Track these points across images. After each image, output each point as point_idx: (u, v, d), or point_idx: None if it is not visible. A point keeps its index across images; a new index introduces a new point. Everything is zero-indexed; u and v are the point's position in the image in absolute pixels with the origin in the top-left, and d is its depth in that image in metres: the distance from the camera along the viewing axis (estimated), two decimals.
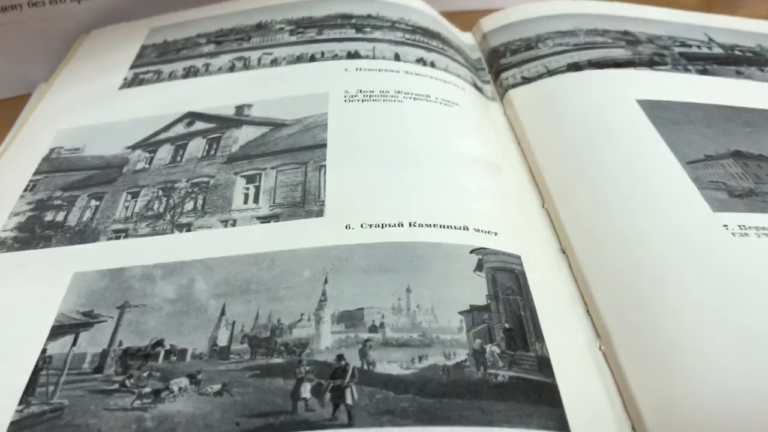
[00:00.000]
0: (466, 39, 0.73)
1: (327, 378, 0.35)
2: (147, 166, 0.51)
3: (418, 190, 0.46)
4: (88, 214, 0.47)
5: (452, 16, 0.75)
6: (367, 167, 0.48)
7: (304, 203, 0.45)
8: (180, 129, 0.54)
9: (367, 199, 0.45)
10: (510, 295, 0.40)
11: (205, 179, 0.49)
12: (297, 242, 0.42)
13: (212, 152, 0.52)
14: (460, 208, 0.45)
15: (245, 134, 0.53)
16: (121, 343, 0.38)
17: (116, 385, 0.36)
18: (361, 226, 0.43)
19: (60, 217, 0.47)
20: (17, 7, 0.69)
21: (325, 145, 0.50)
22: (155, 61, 0.65)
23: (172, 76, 0.62)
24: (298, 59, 0.62)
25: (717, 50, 0.66)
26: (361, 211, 0.44)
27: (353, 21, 0.67)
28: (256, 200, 0.46)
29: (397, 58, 0.61)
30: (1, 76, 0.70)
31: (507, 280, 0.41)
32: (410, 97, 0.55)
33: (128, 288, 0.41)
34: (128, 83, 0.62)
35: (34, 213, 0.48)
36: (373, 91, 0.55)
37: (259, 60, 0.62)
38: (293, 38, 0.65)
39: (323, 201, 0.45)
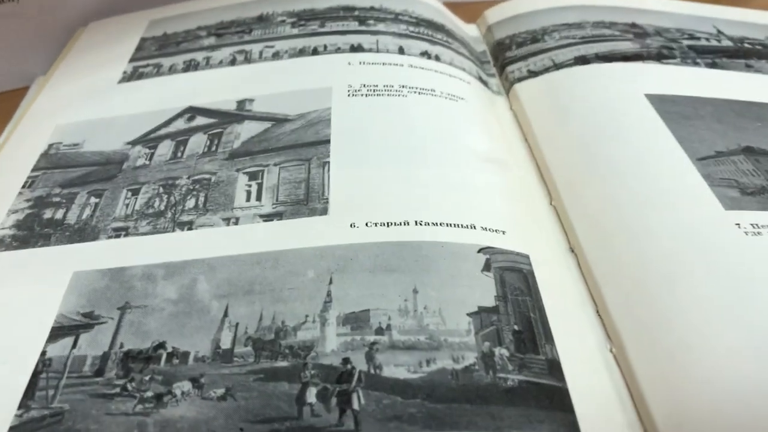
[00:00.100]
0: (470, 31, 0.72)
1: (333, 382, 0.34)
2: (147, 162, 0.50)
3: (424, 188, 0.45)
4: (87, 211, 0.46)
5: (456, 8, 0.74)
6: (371, 164, 0.47)
7: (308, 201, 0.45)
8: (180, 124, 0.54)
9: (372, 197, 0.44)
10: (519, 295, 0.39)
11: (207, 176, 0.48)
12: (301, 241, 0.41)
13: (213, 148, 0.51)
14: (466, 206, 0.44)
15: (247, 130, 0.52)
16: (122, 346, 0.37)
17: (117, 389, 0.35)
18: (366, 224, 0.42)
19: (59, 214, 0.46)
20: None
21: (328, 141, 0.49)
22: (155, 55, 0.64)
23: (172, 70, 0.61)
24: (301, 52, 0.61)
25: (726, 43, 0.65)
26: (366, 209, 0.43)
27: (356, 13, 0.66)
28: (258, 198, 0.45)
29: (401, 51, 0.60)
30: None
31: (515, 281, 0.40)
32: (415, 92, 0.54)
33: (129, 288, 0.40)
34: (127, 77, 0.61)
35: (32, 210, 0.47)
36: (377, 86, 0.54)
37: (261, 53, 0.61)
38: (295, 31, 0.64)
39: (327, 199, 0.44)
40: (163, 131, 0.53)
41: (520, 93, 0.59)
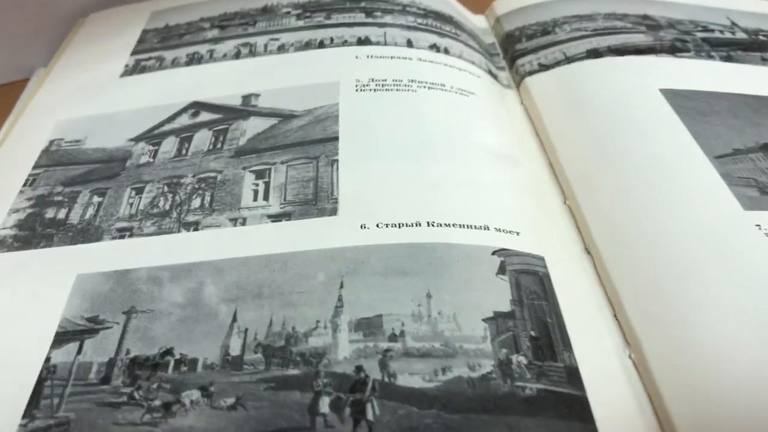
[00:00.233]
0: (478, 22, 0.70)
1: (346, 391, 0.33)
2: (151, 159, 0.49)
3: (436, 187, 0.44)
4: (90, 211, 0.45)
5: None
6: (381, 162, 0.46)
7: (317, 201, 0.43)
8: (185, 120, 0.52)
9: (383, 196, 0.43)
10: (535, 299, 0.38)
11: (212, 174, 0.47)
12: (310, 243, 0.40)
13: (219, 145, 0.49)
14: (479, 205, 0.43)
15: (253, 126, 0.51)
16: (128, 352, 0.36)
17: (124, 398, 0.34)
18: (377, 225, 0.41)
19: (61, 214, 0.45)
20: None
21: (336, 138, 0.48)
22: (157, 47, 0.62)
23: (175, 63, 0.59)
24: (307, 45, 0.59)
25: (741, 35, 0.64)
26: (377, 209, 0.42)
27: (362, 4, 0.65)
28: (266, 197, 0.44)
29: (409, 44, 0.58)
30: None
31: (531, 284, 0.39)
32: (424, 86, 0.52)
33: (135, 291, 0.39)
34: (129, 70, 0.60)
35: (34, 210, 0.46)
36: (385, 80, 0.53)
37: (266, 46, 0.60)
38: (300, 23, 0.63)
39: (336, 198, 0.43)
40: (166, 127, 0.52)
41: (531, 87, 0.57)
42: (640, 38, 0.61)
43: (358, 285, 0.38)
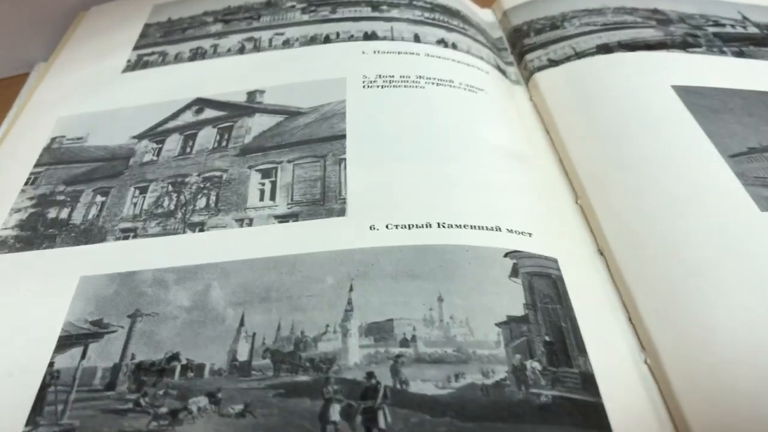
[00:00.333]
0: (485, 16, 0.69)
1: (357, 398, 0.32)
2: (155, 158, 0.48)
3: (446, 187, 0.43)
4: (93, 211, 0.44)
5: None
6: (389, 161, 0.45)
7: (324, 201, 0.43)
8: (188, 117, 0.51)
9: (392, 196, 0.42)
10: (548, 303, 0.37)
11: (218, 173, 0.46)
12: (318, 244, 0.40)
13: (224, 143, 0.49)
14: (491, 206, 0.42)
15: (258, 123, 0.50)
16: (133, 357, 0.35)
17: (130, 404, 0.33)
18: (387, 227, 0.40)
19: (64, 214, 0.45)
20: None
21: (344, 136, 0.47)
22: (160, 42, 0.61)
23: (178, 59, 0.58)
24: (312, 40, 0.58)
25: (752, 30, 0.63)
26: (386, 209, 0.41)
27: None
28: (272, 197, 0.43)
29: (416, 39, 0.57)
30: None
31: (544, 287, 0.38)
32: (433, 83, 0.52)
33: (139, 294, 0.38)
34: (132, 66, 0.59)
35: (36, 209, 0.45)
36: (393, 76, 0.52)
37: (270, 41, 0.59)
38: (305, 17, 0.62)
39: (345, 198, 0.42)
40: (170, 124, 0.51)
41: (540, 83, 0.56)
42: (650, 33, 0.60)
43: (367, 288, 0.37)
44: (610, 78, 0.54)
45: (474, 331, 0.35)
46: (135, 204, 0.44)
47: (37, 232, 0.43)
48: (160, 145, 0.49)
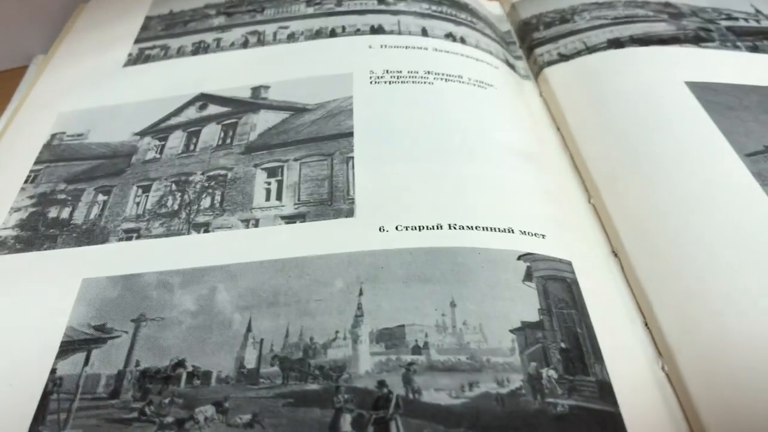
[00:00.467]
0: (493, 9, 0.68)
1: (369, 408, 0.31)
2: (158, 155, 0.47)
3: (457, 187, 0.42)
4: (95, 210, 0.43)
5: None
6: (398, 160, 0.44)
7: (332, 201, 0.41)
8: (192, 113, 0.50)
9: (401, 196, 0.41)
10: (564, 308, 0.36)
11: (222, 172, 0.45)
12: (327, 246, 0.39)
13: (228, 140, 0.47)
14: (503, 206, 0.41)
15: (263, 120, 0.49)
16: (138, 363, 0.34)
17: (135, 413, 0.32)
18: (396, 228, 0.39)
19: (65, 213, 0.43)
20: None
21: (351, 134, 0.46)
22: (161, 35, 0.60)
23: (180, 53, 0.57)
24: (317, 34, 0.57)
25: (766, 23, 0.61)
26: (395, 210, 0.40)
27: None
28: (279, 197, 0.42)
29: (424, 33, 0.56)
30: None
31: (559, 291, 0.37)
32: (441, 78, 0.50)
33: (144, 298, 0.37)
34: (133, 60, 0.57)
35: (36, 208, 0.44)
36: (400, 72, 0.51)
37: (275, 35, 0.58)
38: (310, 10, 0.61)
39: (353, 199, 0.41)
40: (173, 121, 0.50)
41: (550, 78, 0.55)
42: (662, 27, 0.59)
43: (378, 293, 0.36)
44: (622, 74, 0.53)
45: (488, 337, 0.34)
46: (138, 203, 0.43)
47: (38, 232, 0.42)
48: (163, 143, 0.48)
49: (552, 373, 0.33)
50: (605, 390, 0.33)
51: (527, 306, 0.35)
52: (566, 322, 0.35)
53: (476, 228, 0.39)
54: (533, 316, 0.35)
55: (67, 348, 0.35)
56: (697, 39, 0.58)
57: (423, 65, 0.52)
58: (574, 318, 0.36)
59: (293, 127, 0.48)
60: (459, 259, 0.37)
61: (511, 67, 0.57)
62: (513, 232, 0.39)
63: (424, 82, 0.50)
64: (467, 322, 0.34)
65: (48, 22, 0.67)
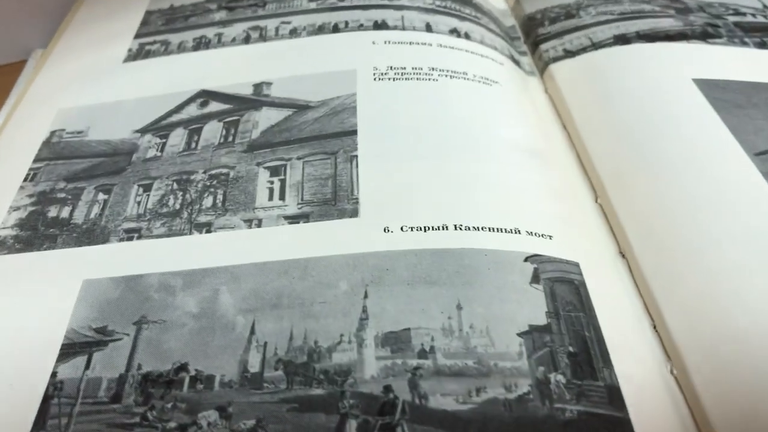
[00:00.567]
0: (497, 3, 0.67)
1: (375, 414, 0.31)
2: (159, 153, 0.46)
3: (462, 185, 0.41)
4: (96, 209, 0.43)
5: None
6: (403, 159, 0.43)
7: (336, 201, 0.41)
8: (193, 110, 0.49)
9: (406, 196, 0.41)
10: (571, 311, 0.36)
11: (224, 170, 0.44)
12: (331, 248, 0.38)
13: (230, 138, 0.47)
14: (509, 206, 0.40)
15: (266, 117, 0.48)
16: (140, 367, 0.34)
17: (137, 418, 0.32)
18: (402, 229, 0.38)
19: (65, 212, 0.43)
20: None
21: (355, 132, 0.45)
22: (162, 30, 0.59)
23: (181, 48, 0.56)
24: (320, 29, 0.56)
25: None
26: (400, 210, 0.40)
27: None
28: (282, 196, 0.42)
29: (428, 28, 0.55)
30: None
31: (567, 293, 0.36)
32: (446, 75, 0.50)
33: (145, 299, 0.37)
34: (133, 55, 0.57)
35: (36, 208, 0.43)
36: (404, 68, 0.50)
37: (277, 30, 0.57)
38: (313, 5, 0.60)
39: (357, 198, 0.41)
40: (174, 118, 0.49)
41: (555, 74, 0.55)
42: (669, 23, 0.58)
43: (383, 295, 0.35)
44: (628, 70, 0.52)
45: (495, 341, 0.33)
46: (139, 203, 0.43)
47: (38, 231, 0.42)
48: (163, 140, 0.47)
49: (560, 377, 0.32)
50: (614, 395, 0.32)
51: (534, 309, 0.35)
52: (574, 326, 0.35)
53: (482, 229, 0.38)
54: (541, 319, 0.34)
55: (68, 351, 0.35)
56: (705, 35, 0.57)
57: (427, 61, 0.51)
58: (582, 321, 0.35)
59: (296, 124, 0.47)
60: (465, 260, 0.37)
61: (516, 63, 0.56)
62: (520, 233, 0.38)
63: (429, 79, 0.49)
64: (474, 325, 0.34)
65: (47, 16, 0.66)
